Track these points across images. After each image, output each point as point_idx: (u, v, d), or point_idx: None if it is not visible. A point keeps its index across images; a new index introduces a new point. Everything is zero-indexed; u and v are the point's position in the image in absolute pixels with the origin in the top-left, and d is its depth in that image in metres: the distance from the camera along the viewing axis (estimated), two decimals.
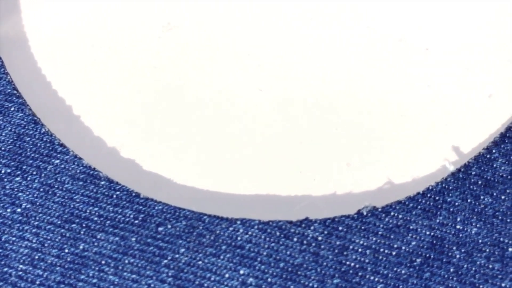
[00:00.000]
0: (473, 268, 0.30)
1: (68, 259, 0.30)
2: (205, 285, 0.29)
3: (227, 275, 0.29)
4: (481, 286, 0.29)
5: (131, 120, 0.34)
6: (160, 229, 0.30)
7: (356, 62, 0.35)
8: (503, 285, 0.29)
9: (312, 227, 0.30)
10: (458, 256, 0.30)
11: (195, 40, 0.35)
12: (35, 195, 0.31)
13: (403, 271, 0.30)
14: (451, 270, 0.30)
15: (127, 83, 0.34)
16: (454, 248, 0.30)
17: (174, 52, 0.35)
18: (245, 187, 0.32)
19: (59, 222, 0.30)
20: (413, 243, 0.30)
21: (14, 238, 0.30)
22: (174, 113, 0.34)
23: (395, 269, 0.30)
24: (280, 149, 0.33)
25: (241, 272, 0.29)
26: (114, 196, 0.31)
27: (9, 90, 0.33)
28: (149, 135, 0.33)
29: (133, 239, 0.30)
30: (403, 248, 0.30)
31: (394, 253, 0.30)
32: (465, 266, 0.30)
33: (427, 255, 0.30)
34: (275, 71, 0.35)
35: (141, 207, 0.30)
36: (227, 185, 0.32)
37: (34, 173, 0.31)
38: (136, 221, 0.30)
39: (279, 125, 0.34)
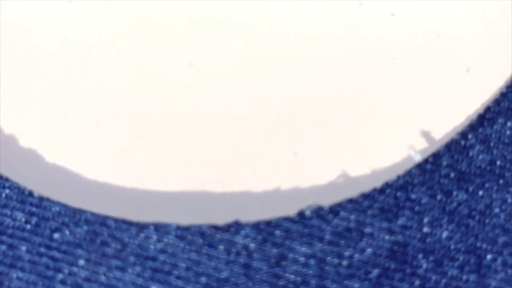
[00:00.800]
0: (443, 280, 0.24)
1: None
2: None
3: None
4: None
5: (33, 103, 0.28)
6: (56, 236, 0.25)
7: (305, 32, 0.29)
8: None
9: (242, 232, 0.24)
10: (425, 266, 0.25)
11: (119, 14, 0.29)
12: None
13: (355, 285, 0.24)
14: (416, 283, 0.24)
15: (27, 62, 0.28)
16: (420, 256, 0.25)
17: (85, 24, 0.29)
18: (162, 183, 0.26)
19: None
20: (369, 250, 0.25)
21: None
22: (81, 95, 0.28)
23: (345, 282, 0.24)
24: (212, 136, 0.27)
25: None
26: (4, 195, 0.25)
27: None
28: (53, 120, 0.28)
29: (23, 248, 0.24)
30: (356, 256, 0.24)
31: (344, 263, 0.24)
32: (434, 278, 0.24)
33: (386, 265, 0.24)
34: (206, 44, 0.29)
35: (34, 209, 0.25)
36: (140, 180, 0.26)
37: None
38: (28, 226, 0.25)
39: (210, 108, 0.28)
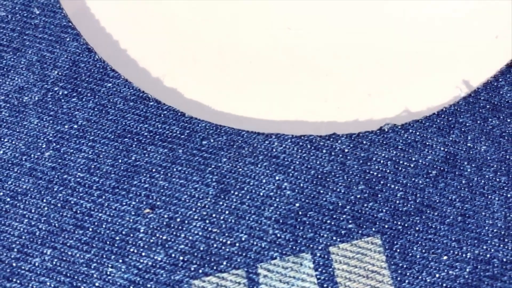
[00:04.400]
0: (483, 181, 0.33)
1: (122, 168, 0.33)
2: (245, 188, 0.33)
3: (264, 180, 0.33)
4: (489, 196, 0.33)
5: (173, 51, 0.37)
6: (204, 142, 0.34)
7: (377, 5, 0.39)
8: (509, 195, 0.33)
9: (339, 141, 0.34)
10: (469, 170, 0.34)
11: None
12: (90, 114, 0.34)
13: (420, 181, 0.33)
14: (463, 182, 0.34)
15: (169, 19, 0.38)
16: (466, 163, 0.34)
17: None
18: (277, 112, 0.36)
19: (112, 136, 0.34)
20: (429, 157, 0.34)
21: (71, 150, 0.34)
22: (211, 47, 0.37)
23: (413, 179, 0.33)
24: (309, 80, 0.37)
25: (277, 178, 0.33)
26: (162, 115, 0.34)
27: (65, 23, 0.36)
28: (190, 66, 0.37)
29: (180, 151, 0.34)
30: (420, 161, 0.34)
31: (412, 165, 0.34)
32: (475, 179, 0.33)
33: (442, 168, 0.34)
34: (302, 11, 0.38)
35: (186, 124, 0.34)
36: (261, 111, 0.36)
37: (89, 94, 0.35)
38: (182, 136, 0.34)
39: (308, 59, 0.37)
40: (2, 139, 0.34)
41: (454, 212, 0.33)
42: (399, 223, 0.32)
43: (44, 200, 0.32)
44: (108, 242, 0.32)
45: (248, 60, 0.37)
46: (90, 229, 0.32)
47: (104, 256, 0.32)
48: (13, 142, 0.34)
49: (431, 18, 0.38)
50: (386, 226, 0.32)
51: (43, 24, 0.36)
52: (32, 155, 0.33)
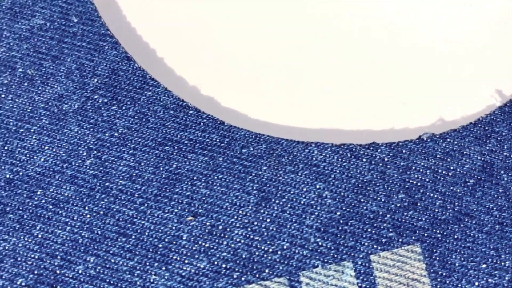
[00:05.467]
0: None
1: (163, 176, 0.33)
2: (286, 197, 0.33)
3: (305, 189, 0.33)
4: None
5: (210, 60, 0.38)
6: (243, 150, 0.34)
7: (408, 11, 0.39)
8: None
9: (379, 150, 0.34)
10: (505, 178, 0.34)
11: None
12: (131, 122, 0.35)
13: (458, 190, 0.34)
14: (500, 190, 0.34)
15: (206, 28, 0.38)
16: (502, 172, 0.34)
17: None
18: (315, 121, 0.36)
19: (153, 144, 0.34)
20: (467, 166, 0.34)
21: (113, 158, 0.34)
22: (248, 56, 0.38)
23: (451, 188, 0.34)
24: (344, 89, 0.37)
25: (317, 186, 0.33)
26: (202, 123, 0.35)
27: (103, 31, 0.36)
28: (227, 74, 0.37)
29: (221, 159, 0.34)
30: (458, 170, 0.34)
31: (450, 174, 0.34)
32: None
33: (479, 177, 0.34)
34: (336, 20, 0.39)
35: (226, 133, 0.34)
36: (298, 119, 0.36)
37: (129, 103, 0.35)
38: (222, 144, 0.34)
39: (343, 68, 0.38)
40: (43, 147, 0.34)
41: (492, 221, 0.33)
42: (438, 231, 0.33)
43: (87, 208, 0.33)
44: (151, 250, 0.32)
45: (284, 69, 0.37)
46: (133, 237, 0.32)
47: (147, 263, 0.32)
48: (54, 150, 0.34)
49: (465, 28, 0.39)
50: (426, 234, 0.32)
51: (82, 32, 0.36)
52: (73, 163, 0.34)
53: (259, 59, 0.38)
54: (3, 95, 0.35)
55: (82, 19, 0.37)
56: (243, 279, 0.31)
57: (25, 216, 0.33)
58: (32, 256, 0.32)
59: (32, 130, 0.34)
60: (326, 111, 0.36)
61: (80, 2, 0.37)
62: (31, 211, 0.33)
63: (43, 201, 0.33)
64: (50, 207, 0.33)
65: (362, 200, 0.33)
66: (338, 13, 0.39)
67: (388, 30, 0.38)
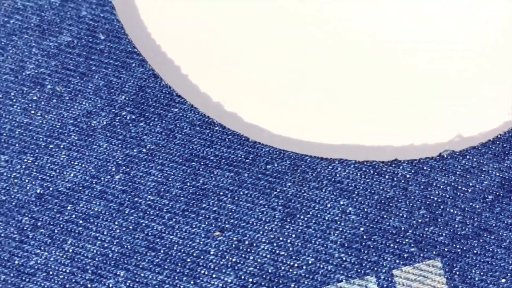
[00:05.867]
0: None
1: (191, 191, 0.34)
2: (311, 213, 0.34)
3: (329, 205, 0.34)
4: None
5: (234, 77, 0.39)
6: (268, 167, 0.35)
7: (431, 30, 0.40)
8: None
9: (401, 167, 0.35)
10: None
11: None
12: (158, 138, 0.35)
13: (477, 206, 0.35)
14: None
15: (229, 45, 0.39)
16: None
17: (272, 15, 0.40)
18: (338, 137, 0.37)
19: (180, 160, 0.35)
20: (485, 182, 0.35)
21: (141, 174, 0.35)
22: (270, 72, 0.39)
23: (470, 204, 0.35)
24: (366, 107, 0.38)
25: (341, 202, 0.34)
26: (227, 139, 0.35)
27: (130, 49, 0.37)
28: (250, 91, 0.38)
29: (246, 175, 0.35)
30: (477, 186, 0.35)
31: (470, 190, 0.35)
32: None
33: (498, 193, 0.35)
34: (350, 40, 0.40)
35: (250, 149, 0.35)
36: (323, 136, 0.37)
37: (156, 119, 0.36)
38: (247, 160, 0.35)
39: (365, 88, 0.39)
40: (73, 163, 0.35)
41: (511, 236, 0.34)
42: (458, 246, 0.34)
43: (116, 223, 0.34)
44: (179, 264, 0.33)
45: (308, 86, 0.38)
46: (162, 251, 0.33)
47: (176, 277, 0.33)
48: (84, 166, 0.35)
49: (483, 45, 0.39)
50: (446, 249, 0.33)
51: (109, 49, 0.37)
52: (103, 178, 0.34)
53: (282, 76, 0.39)
54: (32, 111, 0.36)
55: (109, 37, 0.37)
56: None
57: (56, 231, 0.33)
58: (64, 270, 0.33)
59: (62, 146, 0.35)
60: (348, 128, 0.37)
61: (106, 20, 0.37)
62: (61, 225, 0.34)
63: (74, 216, 0.34)
64: (81, 222, 0.34)
65: (384, 216, 0.34)
66: (359, 32, 0.39)
67: (409, 46, 0.39)
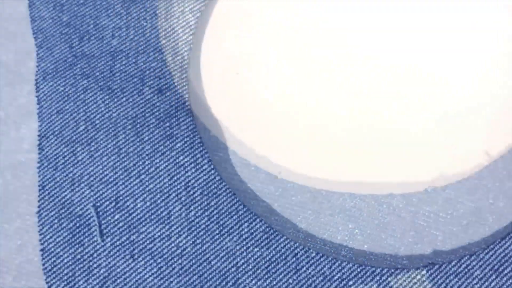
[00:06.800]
0: None
1: None
2: (326, 234, 0.44)
3: (340, 228, 0.45)
4: None
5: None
6: (293, 198, 0.45)
7: (435, 64, 0.50)
8: None
9: (395, 198, 0.45)
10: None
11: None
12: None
13: (454, 228, 0.45)
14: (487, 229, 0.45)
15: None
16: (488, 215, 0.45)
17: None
18: (344, 181, 0.47)
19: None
20: (461, 210, 0.45)
21: None
22: (288, 112, 0.49)
23: (449, 227, 0.45)
24: (368, 144, 0.49)
25: (349, 226, 0.45)
26: (253, 169, 0.46)
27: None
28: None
29: (275, 205, 0.45)
30: (454, 213, 0.45)
31: (448, 216, 0.45)
32: None
33: (470, 219, 0.45)
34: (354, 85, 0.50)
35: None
36: (332, 173, 0.47)
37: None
38: (278, 193, 0.45)
39: (370, 128, 0.49)
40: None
41: (480, 251, 0.44)
42: (439, 259, 0.44)
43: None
44: None
45: (309, 127, 0.48)
46: None
47: None
48: None
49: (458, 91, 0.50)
50: (430, 261, 0.44)
51: None
52: None
53: (297, 115, 0.49)
54: None
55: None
56: None
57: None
58: None
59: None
60: (352, 166, 0.47)
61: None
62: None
63: None
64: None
65: (383, 236, 0.44)
66: (355, 78, 0.50)
67: (392, 88, 0.50)
